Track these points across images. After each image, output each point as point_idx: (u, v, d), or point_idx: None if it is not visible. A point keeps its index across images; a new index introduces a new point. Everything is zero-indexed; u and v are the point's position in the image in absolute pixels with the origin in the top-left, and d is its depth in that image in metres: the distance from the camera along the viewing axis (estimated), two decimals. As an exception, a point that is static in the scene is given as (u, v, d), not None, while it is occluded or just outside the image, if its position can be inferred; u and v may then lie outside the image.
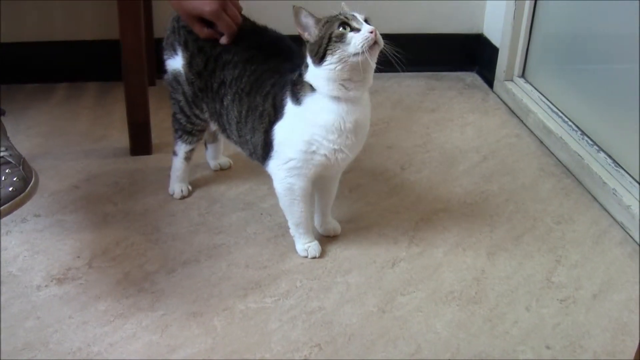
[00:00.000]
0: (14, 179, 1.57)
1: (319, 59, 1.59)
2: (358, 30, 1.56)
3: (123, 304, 1.65)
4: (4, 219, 1.81)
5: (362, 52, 1.54)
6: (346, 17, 1.58)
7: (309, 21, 1.62)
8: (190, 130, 1.96)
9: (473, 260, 1.84)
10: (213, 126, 1.92)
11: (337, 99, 1.62)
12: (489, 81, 2.93)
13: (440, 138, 2.49)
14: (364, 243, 1.90)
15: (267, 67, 1.76)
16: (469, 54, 3.05)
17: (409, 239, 1.93)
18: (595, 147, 2.25)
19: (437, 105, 2.76)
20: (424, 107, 2.74)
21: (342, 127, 1.63)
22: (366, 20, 1.60)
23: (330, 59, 1.58)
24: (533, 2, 2.67)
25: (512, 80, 2.81)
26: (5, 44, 2.65)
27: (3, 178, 1.57)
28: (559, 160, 2.36)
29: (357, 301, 1.69)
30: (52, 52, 2.75)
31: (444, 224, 1.99)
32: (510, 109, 2.74)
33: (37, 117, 2.47)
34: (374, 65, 1.62)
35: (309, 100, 1.65)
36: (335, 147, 1.65)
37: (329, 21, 1.60)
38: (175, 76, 1.90)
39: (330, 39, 1.56)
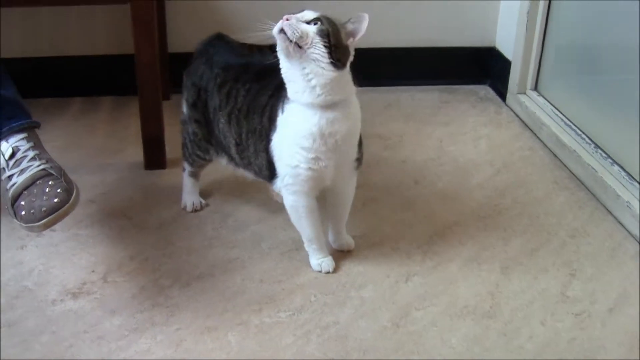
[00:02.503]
0: (58, 191, 1.60)
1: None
2: None
3: (138, 318, 1.66)
4: (20, 233, 1.83)
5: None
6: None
7: None
8: (192, 162, 2.00)
9: (487, 274, 1.84)
10: (223, 161, 1.94)
11: (308, 105, 1.63)
12: (502, 94, 2.93)
13: (454, 151, 2.49)
14: (377, 257, 1.90)
15: (262, 85, 1.77)
16: (482, 67, 3.05)
17: (423, 253, 1.92)
18: (608, 159, 2.24)
19: (450, 119, 2.76)
20: (437, 120, 2.74)
21: (316, 135, 1.63)
22: (317, 20, 1.59)
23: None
24: (545, 14, 2.66)
25: (524, 94, 2.81)
26: (22, 58, 2.67)
27: (47, 190, 1.60)
28: (573, 173, 2.35)
29: (371, 316, 1.69)
30: (68, 67, 2.76)
31: (458, 237, 1.99)
32: (523, 122, 2.74)
33: (53, 132, 2.48)
34: (317, 65, 1.59)
35: (287, 108, 1.67)
36: (312, 155, 1.65)
37: None
38: (183, 116, 1.98)
39: None
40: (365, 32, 1.60)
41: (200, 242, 1.93)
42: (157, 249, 1.90)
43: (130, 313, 1.67)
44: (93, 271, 1.80)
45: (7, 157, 1.67)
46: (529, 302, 1.75)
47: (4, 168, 1.67)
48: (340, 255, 1.90)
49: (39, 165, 1.66)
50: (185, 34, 2.66)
